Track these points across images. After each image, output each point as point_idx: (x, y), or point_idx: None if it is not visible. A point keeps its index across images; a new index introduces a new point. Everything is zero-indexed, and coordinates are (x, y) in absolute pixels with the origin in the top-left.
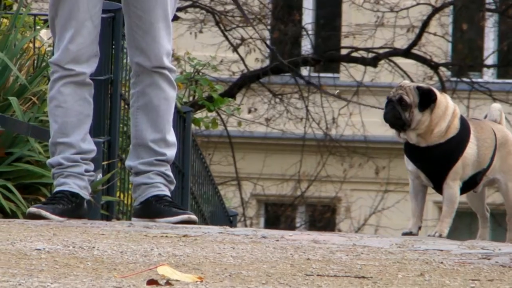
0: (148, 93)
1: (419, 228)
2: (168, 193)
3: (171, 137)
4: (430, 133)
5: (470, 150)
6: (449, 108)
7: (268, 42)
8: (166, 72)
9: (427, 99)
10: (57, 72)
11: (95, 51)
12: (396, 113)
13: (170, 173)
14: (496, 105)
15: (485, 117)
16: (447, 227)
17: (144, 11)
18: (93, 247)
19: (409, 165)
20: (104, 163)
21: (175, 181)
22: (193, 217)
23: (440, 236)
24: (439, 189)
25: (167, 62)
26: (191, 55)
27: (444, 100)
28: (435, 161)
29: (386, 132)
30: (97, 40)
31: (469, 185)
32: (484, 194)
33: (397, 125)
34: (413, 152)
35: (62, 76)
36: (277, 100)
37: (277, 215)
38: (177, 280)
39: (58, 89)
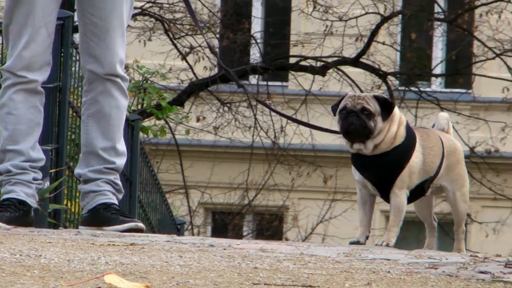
0: (100, 101)
1: (367, 237)
2: (116, 202)
3: (121, 146)
4: (382, 142)
5: (416, 158)
6: (395, 116)
7: (217, 50)
8: (119, 80)
9: (388, 108)
10: (9, 79)
11: (48, 60)
12: (362, 122)
13: (119, 182)
14: (444, 114)
15: (433, 126)
16: (394, 236)
17: (100, 18)
18: (40, 255)
19: (356, 175)
20: (52, 171)
21: (123, 190)
22: (141, 225)
23: (388, 245)
24: (386, 198)
25: (120, 70)
26: (140, 63)
27: (395, 111)
28: (381, 170)
29: (334, 141)
30: (51, 49)
31: (416, 194)
32: (431, 203)
33: (363, 135)
34: (360, 161)
35: (14, 83)
36: (226, 108)
37: (224, 223)
38: None
39: (10, 96)
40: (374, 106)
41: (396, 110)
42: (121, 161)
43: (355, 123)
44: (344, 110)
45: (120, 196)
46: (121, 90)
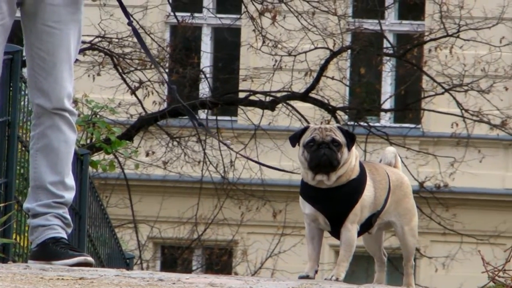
0: (48, 135)
1: (316, 271)
2: (65, 236)
3: (70, 180)
4: (343, 174)
5: (368, 192)
6: (352, 150)
7: (165, 85)
8: (67, 114)
9: (352, 139)
10: None
11: None
12: (334, 153)
13: (68, 216)
14: (390, 149)
15: (380, 160)
16: (344, 271)
17: (48, 52)
18: None
19: (306, 209)
20: (1, 205)
21: (72, 224)
22: (90, 259)
23: (337, 279)
24: (336, 233)
25: (68, 104)
26: (89, 97)
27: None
28: (336, 203)
29: (283, 175)
30: None
31: (364, 228)
32: (381, 238)
33: (332, 167)
34: (313, 193)
35: None
36: (175, 143)
37: (174, 258)
38: None
39: None
40: (341, 138)
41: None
42: (69, 195)
43: (327, 154)
44: (312, 142)
45: (69, 230)
46: (69, 125)
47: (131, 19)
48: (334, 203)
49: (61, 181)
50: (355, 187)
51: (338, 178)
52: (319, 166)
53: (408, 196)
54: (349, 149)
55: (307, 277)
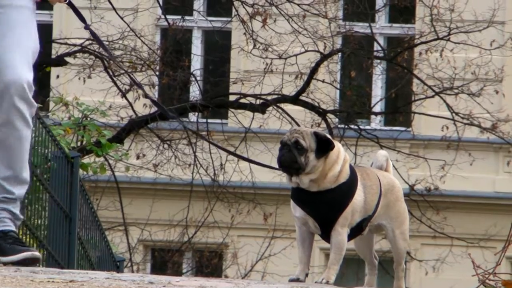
0: (3, 132)
1: (306, 274)
2: (14, 228)
3: (25, 174)
4: (323, 178)
5: (359, 196)
6: (341, 154)
7: (156, 88)
8: (22, 107)
9: (325, 147)
10: None
11: None
12: (292, 156)
13: (17, 211)
14: (382, 152)
15: (371, 164)
16: (334, 274)
17: None
18: None
19: (296, 212)
20: None
21: (21, 217)
22: (37, 254)
23: (327, 282)
24: (326, 236)
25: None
26: (80, 100)
27: (337, 146)
28: (325, 207)
29: (274, 178)
30: None
31: (355, 232)
32: (372, 241)
33: (292, 169)
34: (302, 196)
35: None
36: (165, 146)
37: (164, 260)
38: None
39: None
40: (308, 142)
41: (341, 148)
42: (21, 191)
43: (285, 156)
44: (280, 143)
45: (18, 223)
46: (25, 121)
47: (87, 23)
48: (323, 207)
49: (15, 176)
50: (345, 191)
51: (315, 182)
52: (282, 168)
53: (399, 200)
54: (318, 156)
55: (297, 280)
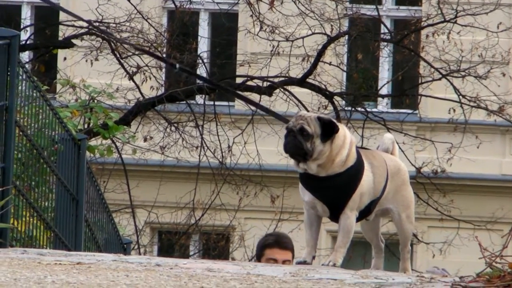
0: None
1: (313, 257)
2: None
3: None
4: (331, 163)
5: (367, 178)
6: (347, 138)
7: (163, 70)
8: None
9: (329, 131)
10: None
11: None
12: (298, 143)
13: None
14: (388, 135)
15: (378, 147)
16: (341, 257)
17: None
18: None
19: (305, 196)
20: None
21: None
22: None
23: (334, 265)
24: (335, 218)
25: None
26: (87, 82)
27: (342, 130)
28: (335, 191)
29: (281, 161)
30: None
31: (362, 214)
32: (378, 224)
33: (299, 155)
34: (311, 182)
35: None
36: (173, 128)
37: (171, 243)
38: None
39: None
40: (313, 128)
41: (346, 132)
42: None
43: (290, 143)
44: (286, 129)
45: None
46: None
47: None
48: (332, 191)
49: None
50: (352, 175)
51: (323, 167)
52: (288, 154)
53: (405, 183)
54: (323, 140)
55: (304, 262)
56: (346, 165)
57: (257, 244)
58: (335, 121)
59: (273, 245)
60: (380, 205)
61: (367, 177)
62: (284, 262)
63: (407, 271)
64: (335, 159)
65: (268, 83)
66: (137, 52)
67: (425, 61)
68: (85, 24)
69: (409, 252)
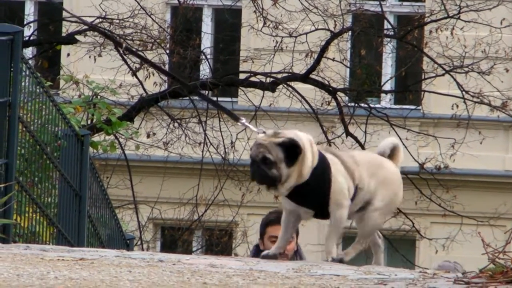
0: None
1: (280, 253)
2: None
3: None
4: (300, 177)
5: (339, 169)
6: (306, 145)
7: (167, 66)
8: None
9: (293, 153)
10: None
11: None
12: (262, 172)
13: None
14: (390, 139)
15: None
16: (333, 247)
17: None
18: None
19: (287, 205)
20: (1, 185)
21: None
22: None
23: (333, 259)
24: (322, 216)
25: None
26: (90, 78)
27: (302, 141)
28: (311, 196)
29: None
30: None
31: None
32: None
33: (267, 183)
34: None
35: None
36: (176, 124)
37: (174, 239)
38: None
39: None
40: (275, 154)
41: (304, 139)
42: None
43: (256, 173)
44: (250, 157)
45: None
46: None
47: None
48: (307, 196)
49: None
50: (319, 174)
51: (296, 182)
52: (256, 183)
53: (390, 183)
54: (289, 165)
55: (273, 256)
56: (312, 167)
57: (260, 223)
58: (296, 140)
59: (275, 222)
60: (364, 197)
61: (337, 169)
62: None
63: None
64: (303, 172)
65: (272, 79)
66: (140, 49)
67: (429, 57)
68: (88, 20)
69: (362, 246)
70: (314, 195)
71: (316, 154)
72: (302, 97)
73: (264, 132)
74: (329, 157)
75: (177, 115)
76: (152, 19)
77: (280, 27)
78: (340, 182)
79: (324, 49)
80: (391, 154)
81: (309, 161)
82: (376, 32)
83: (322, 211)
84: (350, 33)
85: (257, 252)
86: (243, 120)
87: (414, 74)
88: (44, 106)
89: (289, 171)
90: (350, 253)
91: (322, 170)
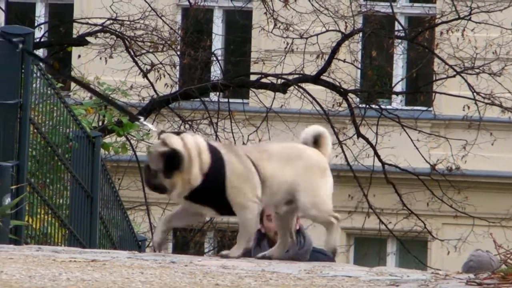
0: None
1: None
2: None
3: None
4: (188, 184)
5: (236, 169)
6: (192, 152)
7: (177, 67)
8: None
9: (171, 164)
10: None
11: None
12: (149, 181)
13: None
14: (312, 127)
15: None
16: (239, 249)
17: None
18: (1, 271)
19: (186, 205)
20: (13, 187)
21: None
22: None
23: (228, 256)
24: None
25: None
26: (101, 80)
27: (188, 152)
28: (205, 199)
29: None
30: None
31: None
32: (291, 220)
33: (156, 190)
34: (188, 195)
35: None
36: (187, 126)
37: (186, 240)
38: None
39: None
40: (156, 165)
41: (193, 145)
42: None
43: (145, 180)
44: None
45: None
46: None
47: None
48: (204, 200)
49: None
50: (213, 178)
51: (186, 187)
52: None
53: (311, 171)
54: (166, 176)
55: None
56: (202, 172)
57: None
58: (178, 151)
59: None
60: (289, 191)
61: (233, 170)
62: None
63: (329, 245)
64: (190, 179)
65: (283, 81)
66: (151, 50)
67: (440, 58)
68: (99, 22)
69: (332, 226)
70: (209, 198)
71: (207, 159)
72: (313, 98)
73: (161, 133)
74: (227, 157)
75: (188, 117)
76: (163, 20)
77: (291, 28)
78: (236, 184)
79: (335, 50)
80: (318, 143)
81: (196, 168)
82: (387, 33)
83: (225, 210)
84: (361, 34)
85: (259, 236)
86: (141, 119)
87: (425, 76)
88: (55, 108)
89: (170, 181)
90: (275, 253)
91: (215, 173)
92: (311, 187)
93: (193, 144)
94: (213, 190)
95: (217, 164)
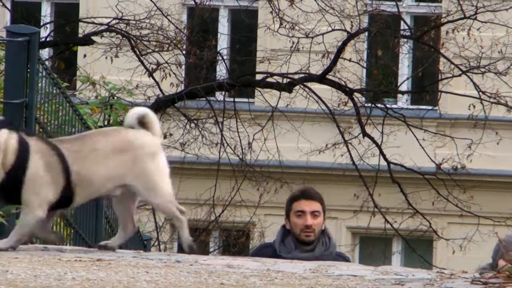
0: None
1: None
2: None
3: None
4: None
5: (35, 169)
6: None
7: (183, 67)
8: None
9: None
10: None
11: None
12: None
13: None
14: (135, 109)
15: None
16: (9, 243)
17: None
18: (7, 271)
19: None
20: None
21: None
22: None
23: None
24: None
25: None
26: (107, 79)
27: None
28: (7, 196)
29: (301, 157)
30: None
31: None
32: (133, 206)
33: None
34: None
35: None
36: (192, 125)
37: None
38: None
39: None
40: None
41: (2, 140)
42: None
43: None
44: None
45: None
46: None
47: None
48: (6, 197)
49: None
50: (13, 176)
51: None
52: None
53: (143, 158)
54: None
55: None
56: (5, 170)
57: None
58: None
59: (299, 197)
60: (116, 182)
61: (34, 168)
62: (312, 213)
63: (185, 242)
64: None
65: (288, 80)
66: (157, 49)
67: (445, 57)
68: (105, 21)
69: (180, 222)
70: (11, 195)
71: (12, 154)
72: (319, 97)
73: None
74: (34, 155)
75: (194, 116)
76: (169, 20)
77: (296, 27)
78: (34, 183)
79: (340, 49)
80: (144, 124)
81: None
82: (392, 32)
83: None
84: (366, 33)
85: (284, 233)
86: (1, 118)
87: (431, 75)
88: (61, 107)
89: None
90: (116, 241)
91: (16, 170)
92: (147, 174)
93: (2, 142)
94: (12, 186)
95: (23, 159)
